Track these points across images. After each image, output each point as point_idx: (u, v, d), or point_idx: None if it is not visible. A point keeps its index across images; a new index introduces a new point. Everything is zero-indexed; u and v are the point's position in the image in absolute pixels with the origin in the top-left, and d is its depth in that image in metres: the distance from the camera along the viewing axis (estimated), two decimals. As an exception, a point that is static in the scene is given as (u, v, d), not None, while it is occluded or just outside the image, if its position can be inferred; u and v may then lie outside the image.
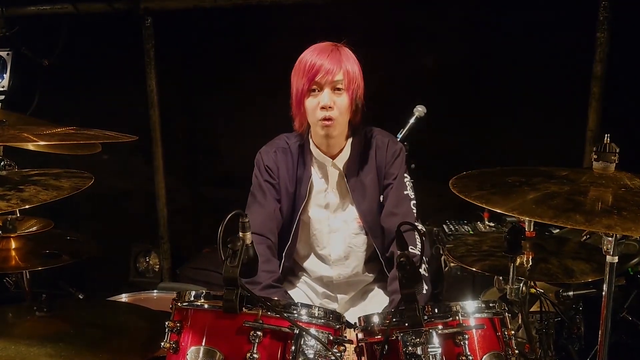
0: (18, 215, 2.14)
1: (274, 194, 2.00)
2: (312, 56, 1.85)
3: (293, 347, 1.29)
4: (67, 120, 1.87)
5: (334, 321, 1.38)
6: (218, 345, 1.28)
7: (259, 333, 1.26)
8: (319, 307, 1.37)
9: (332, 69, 1.82)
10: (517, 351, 1.41)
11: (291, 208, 2.02)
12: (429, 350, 1.27)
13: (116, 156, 3.68)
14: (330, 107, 1.84)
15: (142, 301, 2.16)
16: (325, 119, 1.85)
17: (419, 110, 2.50)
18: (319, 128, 1.88)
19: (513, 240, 1.63)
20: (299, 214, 2.00)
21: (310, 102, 1.86)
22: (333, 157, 1.99)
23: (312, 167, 2.01)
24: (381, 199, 2.00)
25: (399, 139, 2.43)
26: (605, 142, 1.38)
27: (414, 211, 1.98)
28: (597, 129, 2.89)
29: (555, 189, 1.31)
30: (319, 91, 1.85)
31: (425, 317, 1.30)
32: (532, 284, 1.92)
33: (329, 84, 1.84)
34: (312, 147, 2.00)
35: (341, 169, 2.00)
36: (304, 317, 1.33)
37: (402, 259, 1.32)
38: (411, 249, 1.75)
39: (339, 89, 1.85)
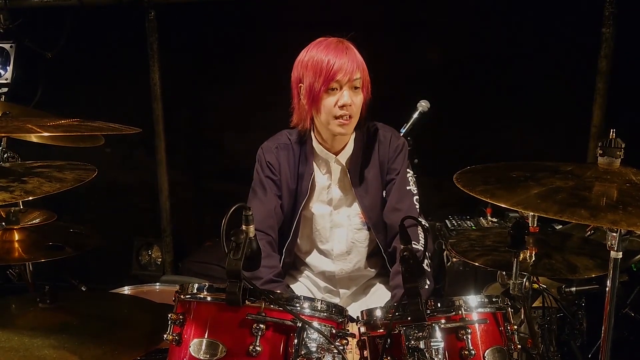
0: (21, 207, 2.15)
1: (275, 190, 1.99)
2: (328, 54, 1.82)
3: (296, 340, 1.29)
4: (70, 112, 1.87)
5: (337, 315, 1.38)
6: (221, 337, 1.28)
7: (261, 326, 1.26)
8: (321, 300, 1.38)
9: (352, 67, 1.81)
10: (519, 346, 1.41)
11: (292, 204, 2.02)
12: (432, 344, 1.27)
13: (119, 149, 3.69)
14: (350, 106, 1.84)
15: (144, 294, 2.16)
16: (343, 117, 1.84)
17: (423, 105, 2.50)
18: (336, 127, 1.87)
19: (517, 236, 1.63)
20: (301, 210, 2.00)
21: (328, 102, 1.84)
22: (336, 153, 1.98)
23: (314, 164, 2.01)
24: (384, 194, 2.00)
25: (402, 134, 2.43)
26: (610, 137, 1.37)
27: (417, 206, 1.97)
28: (602, 125, 2.88)
29: (560, 184, 1.31)
30: (338, 90, 1.83)
31: (428, 311, 1.30)
32: (535, 279, 1.92)
33: (348, 82, 1.82)
34: (315, 144, 1.99)
35: (344, 164, 2.00)
36: (307, 311, 1.33)
37: (405, 253, 1.32)
38: (414, 244, 1.75)
39: (356, 88, 1.85)
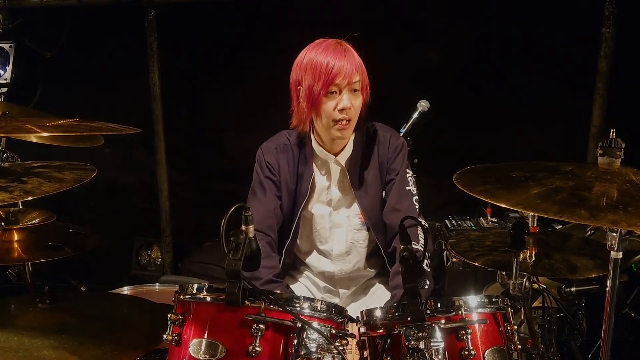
0: (21, 207, 2.14)
1: (275, 191, 1.99)
2: (326, 57, 1.80)
3: (295, 341, 1.29)
4: (70, 112, 1.87)
5: (337, 315, 1.38)
6: (220, 338, 1.28)
7: (261, 326, 1.26)
8: (321, 300, 1.37)
9: (351, 70, 1.79)
10: (519, 346, 1.41)
11: (292, 205, 2.01)
12: (432, 344, 1.26)
13: (119, 149, 3.69)
14: (349, 109, 1.83)
15: (144, 294, 2.16)
16: (342, 121, 1.84)
17: (423, 105, 2.49)
18: (335, 130, 1.86)
19: (517, 236, 1.62)
20: (300, 210, 2.00)
21: (328, 106, 1.83)
22: (336, 154, 1.98)
23: (313, 164, 2.01)
24: (383, 194, 2.00)
25: (402, 134, 2.43)
26: (611, 137, 1.37)
27: (417, 207, 1.97)
28: (602, 125, 2.88)
29: (560, 184, 1.30)
30: (337, 93, 1.82)
31: (428, 312, 1.30)
32: (535, 279, 1.92)
33: (348, 86, 1.81)
34: (315, 145, 1.98)
35: (344, 165, 1.99)
36: (307, 311, 1.33)
37: (405, 253, 1.32)
38: (414, 244, 1.75)
39: (356, 90, 1.84)
